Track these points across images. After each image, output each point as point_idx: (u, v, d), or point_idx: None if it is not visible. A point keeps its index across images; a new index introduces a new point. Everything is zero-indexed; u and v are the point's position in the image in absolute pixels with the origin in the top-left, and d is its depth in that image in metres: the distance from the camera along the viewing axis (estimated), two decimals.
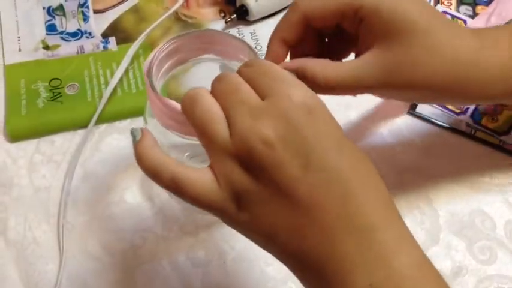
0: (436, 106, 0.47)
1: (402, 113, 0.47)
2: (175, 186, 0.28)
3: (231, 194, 0.27)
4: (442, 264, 0.40)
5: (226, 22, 0.51)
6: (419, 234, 0.41)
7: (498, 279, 0.39)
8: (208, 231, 0.41)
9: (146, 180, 0.42)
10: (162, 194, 0.42)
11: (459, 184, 0.44)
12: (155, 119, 0.34)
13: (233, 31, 0.51)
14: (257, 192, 0.26)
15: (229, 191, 0.27)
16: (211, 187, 0.27)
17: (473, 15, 0.53)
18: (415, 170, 0.44)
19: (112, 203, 0.41)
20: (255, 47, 0.50)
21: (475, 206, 0.42)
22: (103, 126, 0.45)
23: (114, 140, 0.44)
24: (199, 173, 0.28)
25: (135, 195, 0.42)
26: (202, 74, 0.39)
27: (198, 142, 0.29)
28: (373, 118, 0.47)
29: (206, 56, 0.38)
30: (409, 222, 0.41)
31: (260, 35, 0.51)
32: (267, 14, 0.52)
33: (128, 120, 0.45)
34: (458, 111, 0.47)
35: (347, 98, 0.47)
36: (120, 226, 0.41)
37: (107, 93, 0.45)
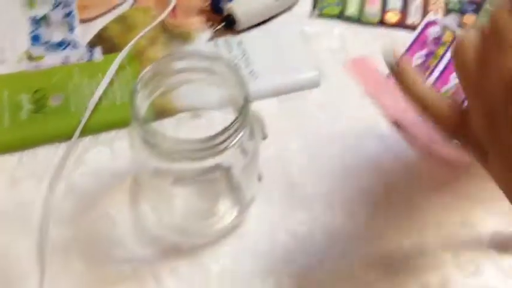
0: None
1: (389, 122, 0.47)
2: None
3: None
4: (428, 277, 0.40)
5: (213, 32, 0.51)
6: (404, 244, 0.41)
7: None
8: (193, 247, 0.40)
9: (132, 194, 0.42)
10: (147, 211, 0.42)
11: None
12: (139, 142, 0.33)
13: (220, 41, 0.51)
14: None
15: None
16: None
17: (461, 25, 0.52)
18: (400, 172, 0.44)
19: (97, 218, 0.41)
20: (242, 57, 0.50)
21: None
22: (87, 139, 0.45)
23: (98, 153, 0.44)
24: None
25: (120, 209, 0.41)
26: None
27: (183, 166, 0.29)
28: (360, 127, 0.47)
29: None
30: (394, 233, 0.41)
31: (247, 44, 0.51)
32: (254, 23, 0.52)
33: (113, 132, 0.45)
34: None
35: (337, 110, 0.48)
36: (104, 242, 0.40)
37: (91, 104, 0.45)
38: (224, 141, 0.33)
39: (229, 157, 0.35)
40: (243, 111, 0.32)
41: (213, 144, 0.32)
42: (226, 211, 0.41)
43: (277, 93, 0.49)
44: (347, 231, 0.41)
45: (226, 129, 0.32)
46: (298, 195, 0.43)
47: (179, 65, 0.36)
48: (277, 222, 0.42)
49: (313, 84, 0.49)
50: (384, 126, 0.47)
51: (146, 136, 0.31)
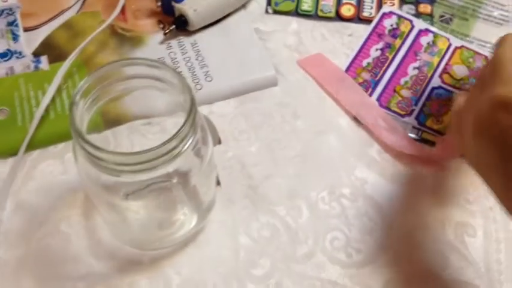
0: (382, 109, 0.46)
1: (349, 118, 0.46)
2: None
3: None
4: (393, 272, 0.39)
5: (165, 34, 0.49)
6: (369, 243, 0.40)
7: None
8: (152, 259, 0.39)
9: (85, 208, 0.40)
10: (102, 224, 0.40)
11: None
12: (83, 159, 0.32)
13: (173, 42, 0.49)
14: None
15: None
16: None
17: (417, 14, 0.52)
18: (363, 172, 0.43)
19: (48, 235, 0.39)
20: (197, 58, 0.48)
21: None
22: (36, 153, 0.42)
23: (48, 167, 0.42)
24: None
25: (72, 225, 0.40)
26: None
27: (132, 179, 0.27)
28: (320, 126, 0.46)
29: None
30: (357, 230, 0.40)
31: (201, 45, 0.49)
32: (207, 23, 0.50)
33: (63, 144, 0.43)
34: (403, 113, 0.46)
35: (296, 109, 0.47)
36: (58, 259, 0.38)
37: (37, 115, 0.43)
38: (173, 149, 0.31)
39: (183, 164, 0.34)
40: (189, 116, 0.31)
41: (159, 154, 0.31)
42: (185, 219, 0.40)
43: (234, 94, 0.47)
44: (313, 232, 0.40)
45: (173, 137, 0.31)
46: (260, 198, 0.42)
47: (127, 71, 0.35)
48: (239, 227, 0.41)
49: (271, 83, 0.48)
50: (345, 123, 0.46)
51: (88, 150, 0.30)
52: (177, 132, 0.31)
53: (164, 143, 0.31)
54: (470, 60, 0.49)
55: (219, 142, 0.38)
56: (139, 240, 0.39)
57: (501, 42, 0.32)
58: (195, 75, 0.47)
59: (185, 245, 0.39)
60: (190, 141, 0.32)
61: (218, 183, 0.41)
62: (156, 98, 0.37)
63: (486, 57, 0.49)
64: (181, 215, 0.40)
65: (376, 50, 0.50)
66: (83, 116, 0.33)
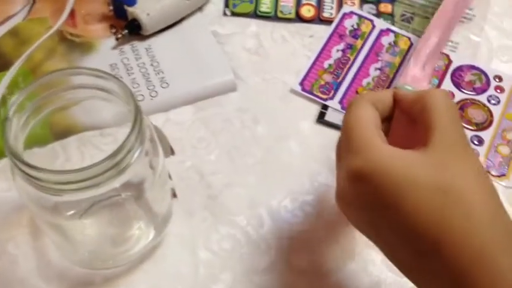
0: (344, 111, 0.45)
1: (311, 122, 0.45)
2: None
3: None
4: (360, 281, 0.38)
5: (117, 39, 0.47)
6: (334, 252, 0.39)
7: None
8: (105, 278, 0.37)
9: (32, 228, 0.38)
10: (51, 244, 0.37)
11: None
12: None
13: (126, 48, 0.47)
14: None
15: None
16: None
17: (377, 14, 0.51)
18: (327, 178, 0.42)
19: None
20: (151, 63, 0.46)
21: None
22: None
23: None
24: None
25: (19, 245, 0.37)
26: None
27: (77, 198, 0.27)
28: (281, 131, 0.45)
29: None
30: (325, 239, 0.39)
31: (156, 50, 0.47)
32: (162, 27, 0.48)
33: (5, 159, 0.40)
34: None
35: (256, 114, 0.45)
36: (5, 283, 0.36)
37: None
38: (118, 163, 0.29)
39: (135, 175, 0.32)
40: (134, 128, 0.29)
41: (104, 170, 0.29)
42: (141, 234, 0.38)
43: (192, 100, 0.45)
44: (275, 242, 0.39)
45: (117, 150, 0.29)
46: (220, 209, 0.40)
47: (73, 80, 0.33)
48: (198, 240, 0.39)
49: (230, 88, 0.46)
50: (306, 126, 0.45)
51: (23, 170, 0.27)
52: (121, 145, 0.29)
53: (108, 158, 0.29)
54: None
55: (172, 153, 0.36)
56: (90, 259, 0.37)
57: (347, 107, 0.31)
58: (150, 81, 0.45)
59: (141, 261, 0.37)
60: (137, 153, 0.30)
61: (174, 195, 0.39)
62: (105, 108, 0.35)
63: (448, 56, 0.48)
64: (137, 229, 0.38)
65: (338, 51, 0.49)
66: (22, 130, 0.30)
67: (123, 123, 0.36)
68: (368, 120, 0.29)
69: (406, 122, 0.31)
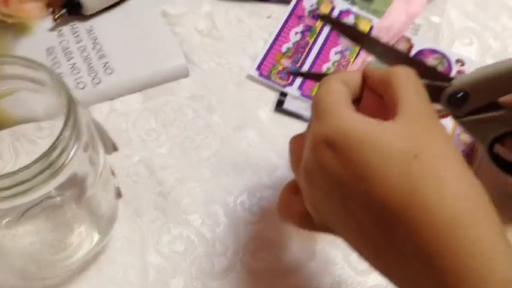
0: (305, 98, 0.43)
1: (269, 111, 0.42)
2: None
3: None
4: (321, 281, 0.36)
5: (54, 19, 0.42)
6: (293, 250, 0.36)
7: None
8: None
9: None
10: None
11: None
12: None
13: (65, 29, 0.43)
14: None
15: None
16: None
17: None
18: (286, 171, 0.39)
19: None
20: (93, 47, 0.42)
21: None
22: None
23: None
24: None
25: None
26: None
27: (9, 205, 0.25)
28: (238, 120, 0.42)
29: None
30: (282, 237, 0.37)
31: (99, 31, 0.43)
32: (105, 6, 0.44)
33: None
34: None
35: (211, 102, 0.42)
36: None
37: None
38: (52, 163, 0.26)
39: (73, 175, 0.29)
40: (67, 123, 0.25)
41: (36, 172, 0.26)
42: (83, 239, 0.35)
43: (140, 87, 0.42)
44: (232, 243, 0.36)
45: (50, 149, 0.25)
46: (172, 207, 0.37)
47: (1, 70, 0.29)
48: (147, 242, 0.36)
49: (182, 74, 0.43)
50: (265, 115, 0.42)
51: None
52: (54, 143, 0.26)
53: (40, 158, 0.26)
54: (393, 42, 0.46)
55: (115, 148, 0.33)
56: (28, 269, 0.33)
57: (319, 84, 0.29)
58: (92, 67, 0.41)
59: (84, 268, 0.34)
60: (73, 150, 0.27)
61: (119, 194, 0.35)
62: (39, 100, 0.32)
63: (409, 39, 0.46)
64: (78, 234, 0.35)
65: (296, 33, 0.46)
66: None
67: (59, 116, 0.32)
68: (337, 93, 0.28)
69: (375, 100, 0.29)
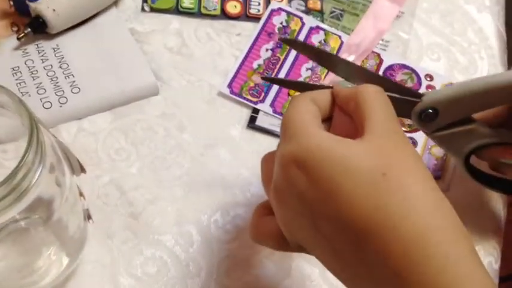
0: (276, 115, 0.43)
1: (241, 128, 0.42)
2: None
3: None
4: None
5: (18, 38, 0.41)
6: (269, 268, 0.36)
7: None
8: None
9: None
10: None
11: None
12: None
13: (31, 48, 0.42)
14: None
15: None
16: None
17: (307, 11, 0.49)
18: (260, 188, 0.39)
19: None
20: (60, 66, 0.41)
21: None
22: None
23: None
24: None
25: None
26: None
27: None
28: (210, 138, 0.41)
29: None
30: (256, 254, 0.36)
31: (65, 50, 0.42)
32: (72, 25, 0.43)
33: None
34: None
35: (182, 120, 0.41)
36: None
37: None
38: (17, 186, 0.25)
39: (39, 197, 0.28)
40: (30, 145, 0.25)
41: (1, 195, 0.25)
42: (51, 263, 0.33)
43: (108, 106, 0.41)
44: (206, 263, 0.35)
45: (13, 172, 0.24)
46: (143, 228, 0.36)
47: None
48: (118, 265, 0.35)
49: (152, 92, 0.42)
50: (237, 133, 0.42)
51: None
52: (17, 166, 0.25)
53: (3, 182, 0.25)
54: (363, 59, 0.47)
55: (82, 170, 0.32)
56: None
57: (289, 103, 0.30)
58: (59, 86, 0.40)
59: None
60: (38, 172, 0.26)
61: (89, 217, 0.34)
62: (2, 123, 0.30)
63: (378, 54, 0.47)
64: (47, 258, 0.33)
65: (267, 50, 0.46)
66: None
67: (23, 137, 0.31)
68: (307, 113, 0.28)
69: (345, 119, 0.29)
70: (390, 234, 0.24)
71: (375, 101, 0.27)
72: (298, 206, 0.26)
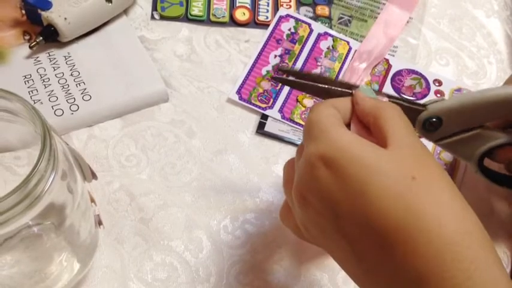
0: (285, 121, 0.43)
1: (250, 134, 0.42)
2: None
3: None
4: None
5: (30, 47, 0.42)
6: (279, 273, 0.36)
7: None
8: None
9: None
10: None
11: None
12: None
13: (42, 56, 0.42)
14: None
15: None
16: None
17: (315, 17, 0.49)
18: (269, 193, 0.39)
19: None
20: (71, 74, 0.42)
21: None
22: None
23: None
24: None
25: None
26: None
27: None
28: (219, 144, 0.41)
29: None
30: (265, 258, 0.36)
31: (76, 58, 0.42)
32: (83, 32, 0.44)
33: None
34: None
35: (191, 127, 0.42)
36: None
37: None
38: (30, 193, 0.25)
39: (52, 203, 0.28)
40: (43, 153, 0.25)
41: (14, 203, 0.25)
42: (63, 268, 0.34)
43: (118, 113, 0.41)
44: (215, 268, 0.36)
45: (27, 179, 0.25)
46: (153, 234, 0.36)
47: None
48: (129, 271, 0.35)
49: (161, 99, 0.43)
50: (246, 138, 0.42)
51: None
52: (31, 173, 0.25)
53: (17, 188, 0.25)
54: None
55: (94, 177, 0.32)
56: None
57: (310, 110, 0.30)
58: (70, 93, 0.41)
59: None
60: (51, 179, 0.26)
61: (100, 223, 0.35)
62: (14, 129, 0.31)
63: (387, 60, 0.47)
64: (58, 264, 0.34)
65: (275, 56, 0.46)
66: None
67: (35, 145, 0.32)
68: (332, 116, 0.28)
69: (362, 128, 0.29)
70: (422, 236, 0.24)
71: (395, 117, 0.28)
72: (319, 205, 0.26)
